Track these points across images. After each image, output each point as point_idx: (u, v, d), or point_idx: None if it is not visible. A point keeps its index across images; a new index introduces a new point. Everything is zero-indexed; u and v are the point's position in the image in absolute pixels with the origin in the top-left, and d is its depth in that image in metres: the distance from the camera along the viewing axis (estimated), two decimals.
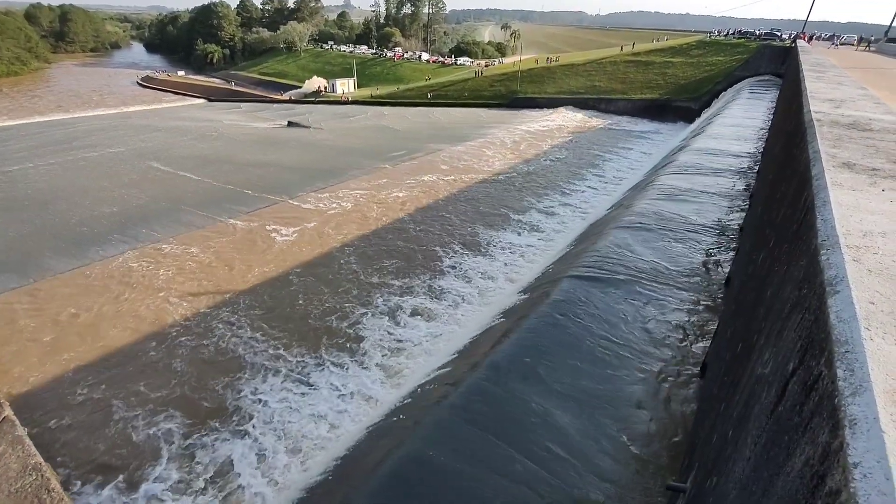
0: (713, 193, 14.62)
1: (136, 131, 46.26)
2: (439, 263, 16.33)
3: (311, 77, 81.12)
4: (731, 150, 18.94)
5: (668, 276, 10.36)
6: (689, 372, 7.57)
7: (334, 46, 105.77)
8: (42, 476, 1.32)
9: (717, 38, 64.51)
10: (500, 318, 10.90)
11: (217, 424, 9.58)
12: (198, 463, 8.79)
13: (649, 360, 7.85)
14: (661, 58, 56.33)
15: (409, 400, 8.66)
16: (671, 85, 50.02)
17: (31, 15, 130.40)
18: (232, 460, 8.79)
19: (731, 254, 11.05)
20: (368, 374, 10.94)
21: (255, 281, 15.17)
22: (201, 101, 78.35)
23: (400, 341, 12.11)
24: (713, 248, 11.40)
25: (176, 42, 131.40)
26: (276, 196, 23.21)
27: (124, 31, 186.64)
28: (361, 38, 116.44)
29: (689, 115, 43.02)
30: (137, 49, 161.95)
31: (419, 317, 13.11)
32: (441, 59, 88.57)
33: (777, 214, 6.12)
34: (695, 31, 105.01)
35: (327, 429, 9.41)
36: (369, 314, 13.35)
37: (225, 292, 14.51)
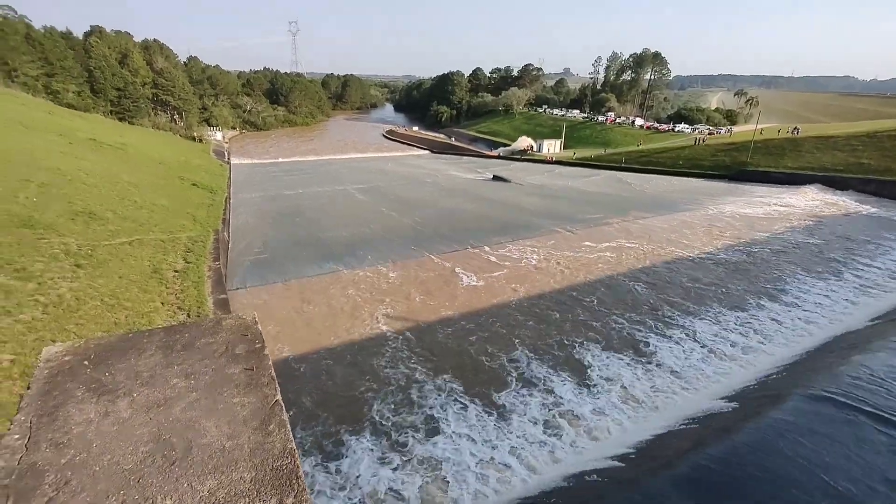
0: None
1: (372, 174, 56.50)
2: (612, 339, 14.94)
3: (520, 136, 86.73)
4: None
5: None
6: None
7: (547, 110, 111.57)
8: (294, 462, 1.59)
9: None
10: (690, 422, 9.23)
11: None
12: None
13: None
14: None
15: (568, 483, 7.91)
16: None
17: (325, 82, 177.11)
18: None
19: None
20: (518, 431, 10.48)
21: (442, 314, 16.38)
22: (425, 152, 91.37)
23: (594, 417, 11.32)
24: None
25: (417, 103, 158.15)
26: (467, 243, 25.02)
27: (382, 94, 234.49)
28: (575, 103, 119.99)
29: None
30: (388, 109, 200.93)
31: (592, 392, 12.09)
32: (656, 125, 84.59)
33: None
34: None
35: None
36: (545, 381, 12.92)
37: (410, 317, 16.06)
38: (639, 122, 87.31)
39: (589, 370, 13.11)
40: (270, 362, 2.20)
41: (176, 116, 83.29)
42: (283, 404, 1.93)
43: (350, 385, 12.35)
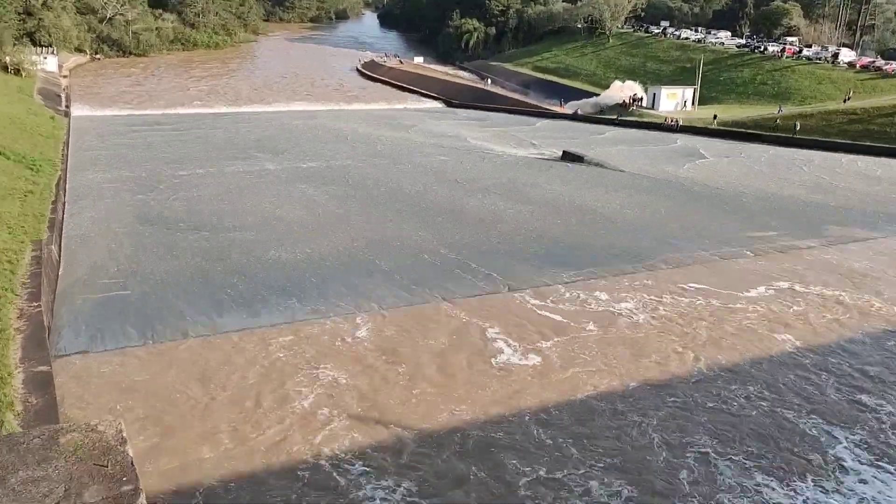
0: None
1: (333, 144, 57.51)
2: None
3: (616, 80, 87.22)
4: None
5: None
6: None
7: (669, 31, 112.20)
8: None
9: None
10: None
11: None
12: None
13: None
14: None
15: None
16: None
17: None
18: None
19: None
20: None
21: (454, 423, 16.26)
22: (436, 103, 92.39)
23: None
24: None
25: (421, 14, 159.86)
26: (505, 280, 24.88)
27: None
28: (723, 18, 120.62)
29: None
30: (370, 21, 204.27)
31: None
32: (878, 62, 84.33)
33: None
34: None
35: None
36: None
37: (401, 425, 15.98)
38: (846, 55, 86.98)
39: None
40: None
41: None
42: None
43: None
